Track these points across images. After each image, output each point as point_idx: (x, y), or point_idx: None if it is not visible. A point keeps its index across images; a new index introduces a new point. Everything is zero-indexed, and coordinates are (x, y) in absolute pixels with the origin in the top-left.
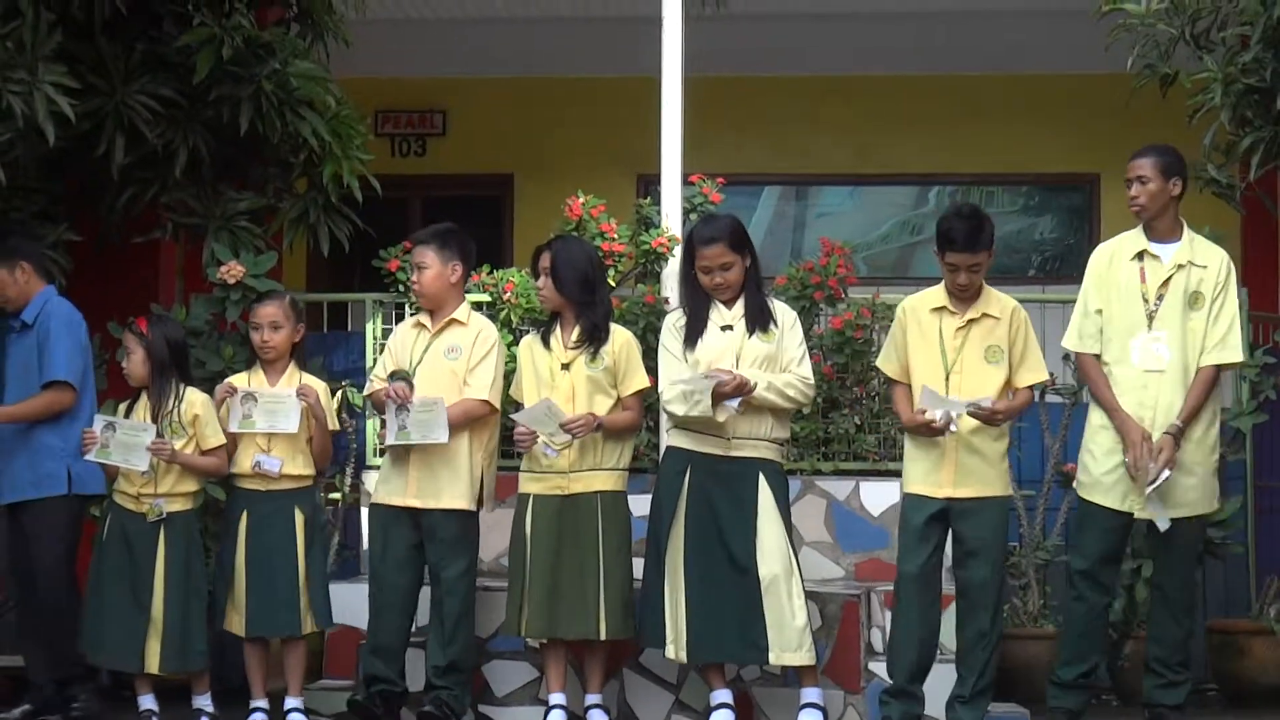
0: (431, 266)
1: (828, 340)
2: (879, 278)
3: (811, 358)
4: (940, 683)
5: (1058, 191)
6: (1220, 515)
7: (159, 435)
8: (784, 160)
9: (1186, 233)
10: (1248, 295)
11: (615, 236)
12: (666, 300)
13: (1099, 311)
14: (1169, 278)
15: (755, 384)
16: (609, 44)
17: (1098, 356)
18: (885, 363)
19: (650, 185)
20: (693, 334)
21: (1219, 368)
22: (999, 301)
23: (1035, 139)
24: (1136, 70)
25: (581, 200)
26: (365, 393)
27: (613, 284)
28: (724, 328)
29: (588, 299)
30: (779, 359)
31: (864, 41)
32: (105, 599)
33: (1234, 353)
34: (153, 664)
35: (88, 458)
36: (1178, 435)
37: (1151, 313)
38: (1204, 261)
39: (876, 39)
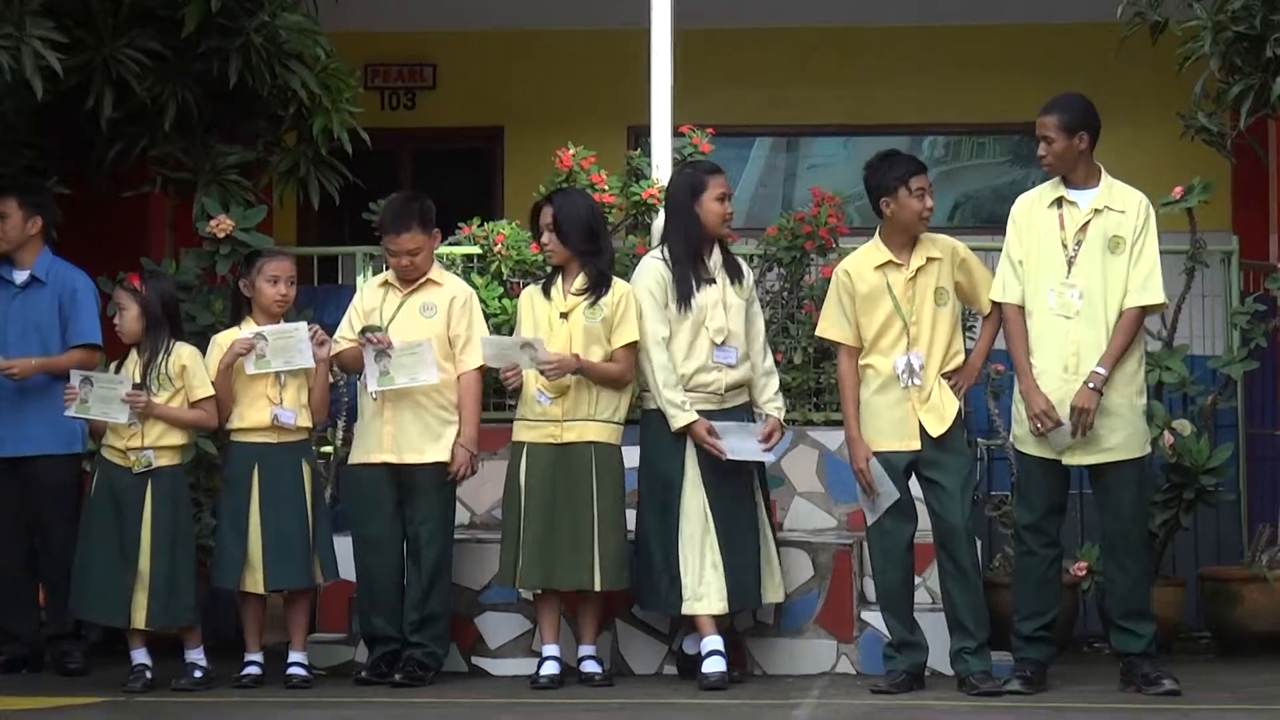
0: (424, 247)
1: (819, 290)
2: (870, 228)
3: (803, 308)
4: (930, 630)
5: None
6: (1212, 463)
7: (145, 388)
8: (775, 111)
9: (1105, 179)
10: (1238, 243)
11: (606, 188)
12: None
13: (1021, 262)
14: (1086, 223)
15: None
16: None
17: (1022, 308)
18: (835, 329)
19: (641, 137)
20: (685, 291)
21: (1142, 311)
22: (935, 243)
23: (1027, 89)
24: (1126, 18)
25: (572, 152)
26: (331, 354)
27: None
28: (709, 280)
29: (593, 248)
30: (750, 320)
31: None
32: (92, 554)
33: (1155, 294)
34: (139, 619)
35: (68, 413)
36: (1100, 387)
37: (1071, 258)
38: (1121, 206)
39: None
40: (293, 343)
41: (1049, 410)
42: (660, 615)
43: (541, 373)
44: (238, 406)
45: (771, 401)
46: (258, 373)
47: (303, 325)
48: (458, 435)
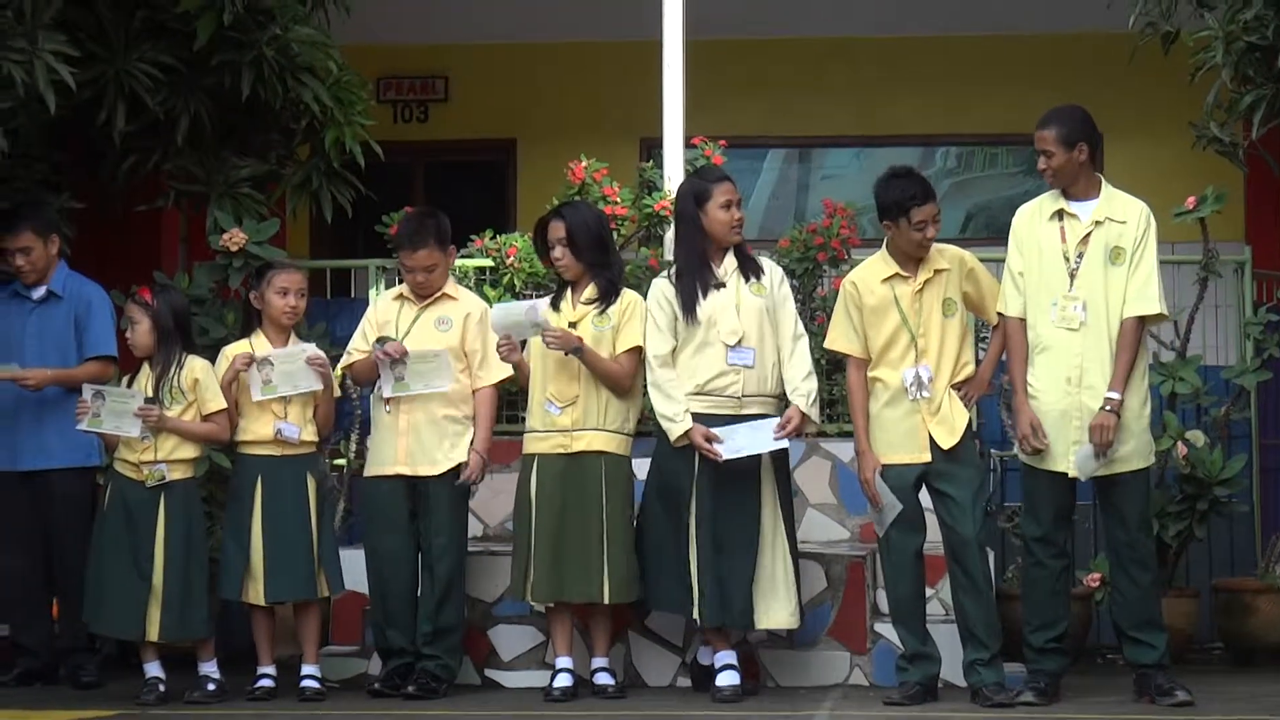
0: (440, 264)
1: (831, 301)
2: (883, 239)
3: (815, 319)
4: (943, 641)
5: None
6: (1225, 474)
7: (158, 401)
8: (787, 123)
9: (1105, 189)
10: (1251, 253)
11: (618, 200)
12: (671, 264)
13: (1021, 274)
14: (1088, 234)
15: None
16: (611, 8)
17: (1023, 320)
18: (843, 341)
19: (653, 149)
20: (690, 302)
21: (1140, 320)
22: (943, 254)
23: (1039, 99)
24: (1138, 29)
25: (584, 164)
26: (343, 364)
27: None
28: (717, 286)
29: (604, 260)
30: (778, 319)
31: (866, 3)
32: (106, 568)
33: (1151, 304)
34: (153, 632)
35: (80, 427)
36: (1118, 409)
37: (1073, 271)
38: (1123, 216)
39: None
40: (299, 366)
41: (1030, 435)
42: (671, 622)
43: (544, 340)
44: (243, 420)
45: (797, 390)
46: (265, 398)
47: (309, 347)
48: (472, 442)
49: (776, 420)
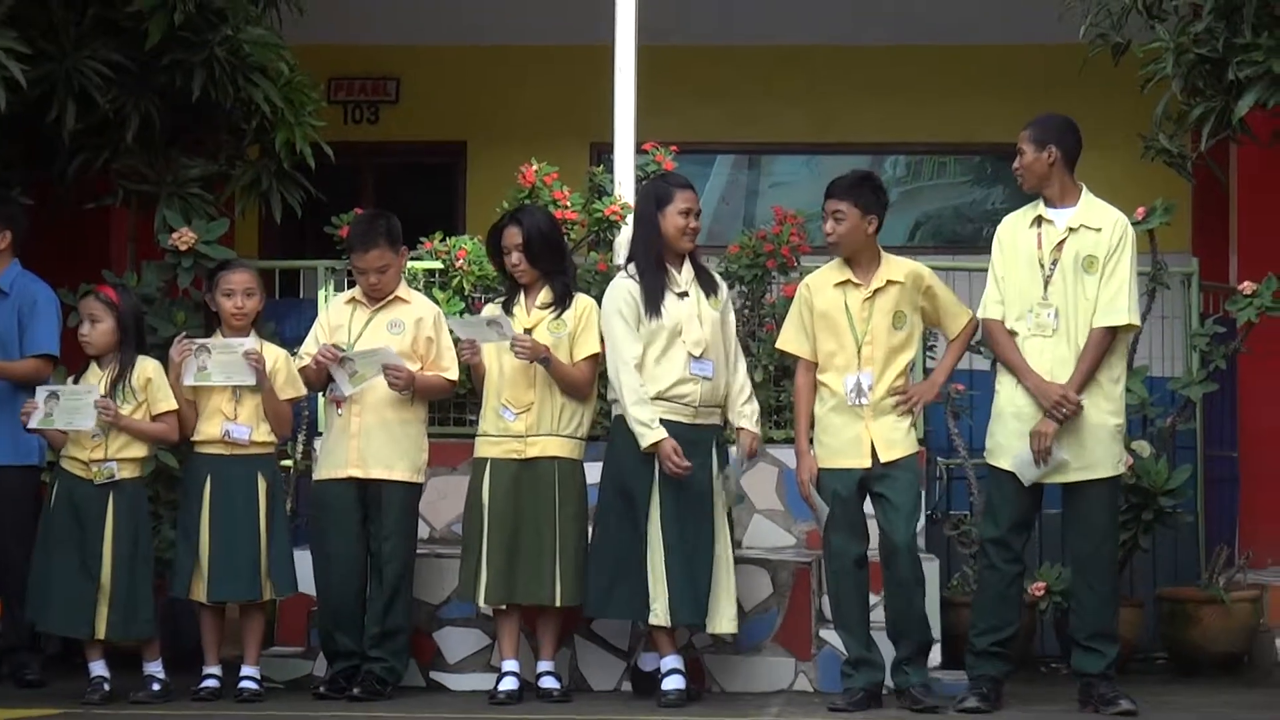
0: (392, 265)
1: (780, 308)
2: None
3: (764, 326)
4: (887, 648)
5: (1011, 161)
6: (1170, 484)
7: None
8: (738, 129)
9: (1085, 197)
10: (1199, 264)
11: (568, 204)
12: (620, 268)
13: (1003, 278)
14: (1062, 240)
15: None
16: (563, 12)
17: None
18: (793, 343)
19: (604, 153)
20: (654, 300)
21: (1110, 331)
22: (899, 267)
23: (989, 109)
24: (1089, 39)
25: (535, 168)
26: (296, 368)
27: None
28: (680, 294)
29: (560, 266)
30: (727, 335)
31: (818, 11)
32: (52, 566)
33: (1120, 315)
34: (100, 631)
35: (30, 426)
36: (1060, 415)
37: (1047, 277)
38: (1098, 224)
39: (831, 8)
40: (235, 358)
41: (1064, 397)
42: (617, 626)
43: (513, 350)
44: (199, 418)
45: (743, 414)
46: (197, 384)
47: (248, 342)
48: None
49: (733, 454)
